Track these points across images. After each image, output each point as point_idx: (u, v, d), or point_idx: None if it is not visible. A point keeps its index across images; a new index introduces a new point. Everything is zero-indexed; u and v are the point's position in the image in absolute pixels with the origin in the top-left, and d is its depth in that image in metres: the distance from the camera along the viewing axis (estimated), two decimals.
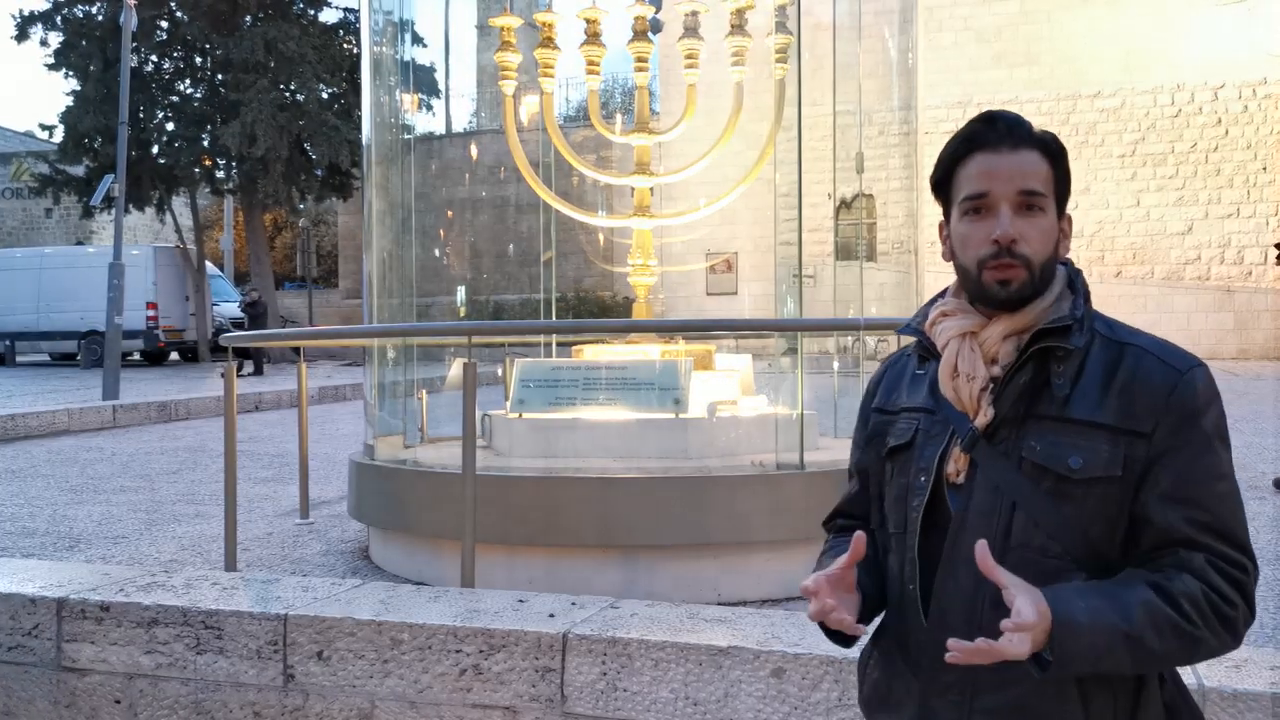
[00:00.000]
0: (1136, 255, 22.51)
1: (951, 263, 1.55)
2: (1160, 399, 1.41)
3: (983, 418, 1.46)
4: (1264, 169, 21.75)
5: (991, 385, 1.47)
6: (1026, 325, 1.48)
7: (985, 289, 1.47)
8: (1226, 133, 22.11)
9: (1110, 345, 1.47)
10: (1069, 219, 1.54)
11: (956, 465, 1.48)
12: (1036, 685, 1.39)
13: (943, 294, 1.61)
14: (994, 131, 1.48)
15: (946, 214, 1.54)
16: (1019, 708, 1.43)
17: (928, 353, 1.57)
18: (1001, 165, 1.46)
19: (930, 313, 1.57)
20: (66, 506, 6.99)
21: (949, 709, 1.47)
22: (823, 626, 1.50)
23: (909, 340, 1.63)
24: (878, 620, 1.62)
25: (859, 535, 1.43)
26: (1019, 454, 1.44)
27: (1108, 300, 21.67)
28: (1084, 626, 1.31)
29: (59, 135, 26.67)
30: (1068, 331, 1.46)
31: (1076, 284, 1.54)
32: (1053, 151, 1.50)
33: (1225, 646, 1.40)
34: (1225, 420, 1.46)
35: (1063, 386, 1.44)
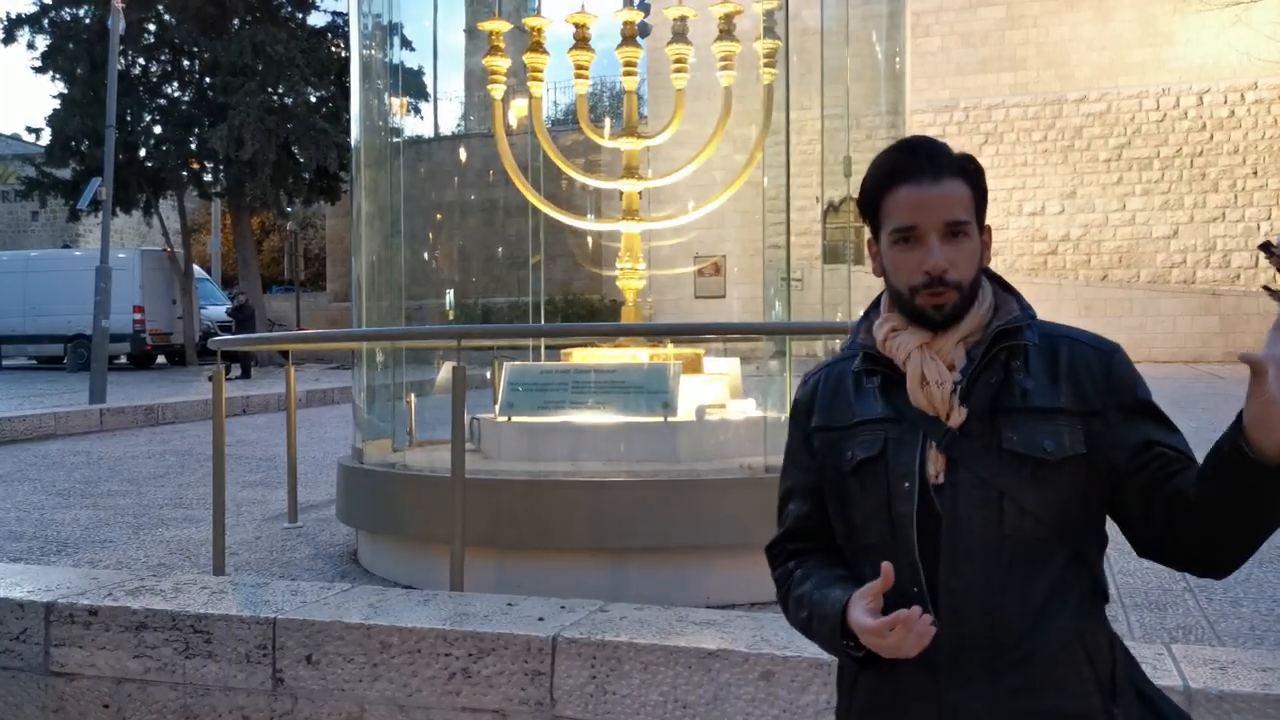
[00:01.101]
0: (1123, 259, 22.60)
1: (882, 279, 1.64)
2: (1101, 379, 1.56)
3: (957, 417, 1.54)
4: (1254, 173, 21.87)
5: (956, 388, 1.55)
6: (972, 331, 1.59)
7: (920, 312, 1.57)
8: (1211, 137, 22.22)
9: (1044, 339, 1.60)
10: (989, 230, 1.63)
11: (935, 467, 1.55)
12: (1051, 656, 1.50)
13: (874, 307, 1.68)
14: (916, 162, 1.56)
15: (875, 234, 1.63)
16: (1040, 682, 1.50)
17: (874, 366, 1.63)
18: (927, 198, 1.54)
19: (876, 331, 1.63)
20: (54, 510, 6.96)
21: (974, 698, 1.51)
22: (852, 650, 1.54)
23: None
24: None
25: (888, 566, 1.46)
26: (998, 446, 1.53)
27: (1094, 304, 21.78)
28: None
29: (46, 138, 26.57)
30: (1022, 330, 1.58)
31: (1009, 286, 1.65)
32: (971, 174, 1.59)
33: None
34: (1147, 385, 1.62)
35: (1024, 380, 1.55)
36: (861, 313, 1.73)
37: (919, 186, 1.54)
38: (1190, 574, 1.59)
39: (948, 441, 1.54)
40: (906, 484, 1.55)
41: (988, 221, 1.64)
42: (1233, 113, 22.09)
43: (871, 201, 1.60)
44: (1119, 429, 1.54)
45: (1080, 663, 1.52)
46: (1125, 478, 1.53)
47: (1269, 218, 21.55)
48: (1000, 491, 1.52)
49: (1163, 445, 1.52)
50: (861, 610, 1.48)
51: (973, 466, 1.53)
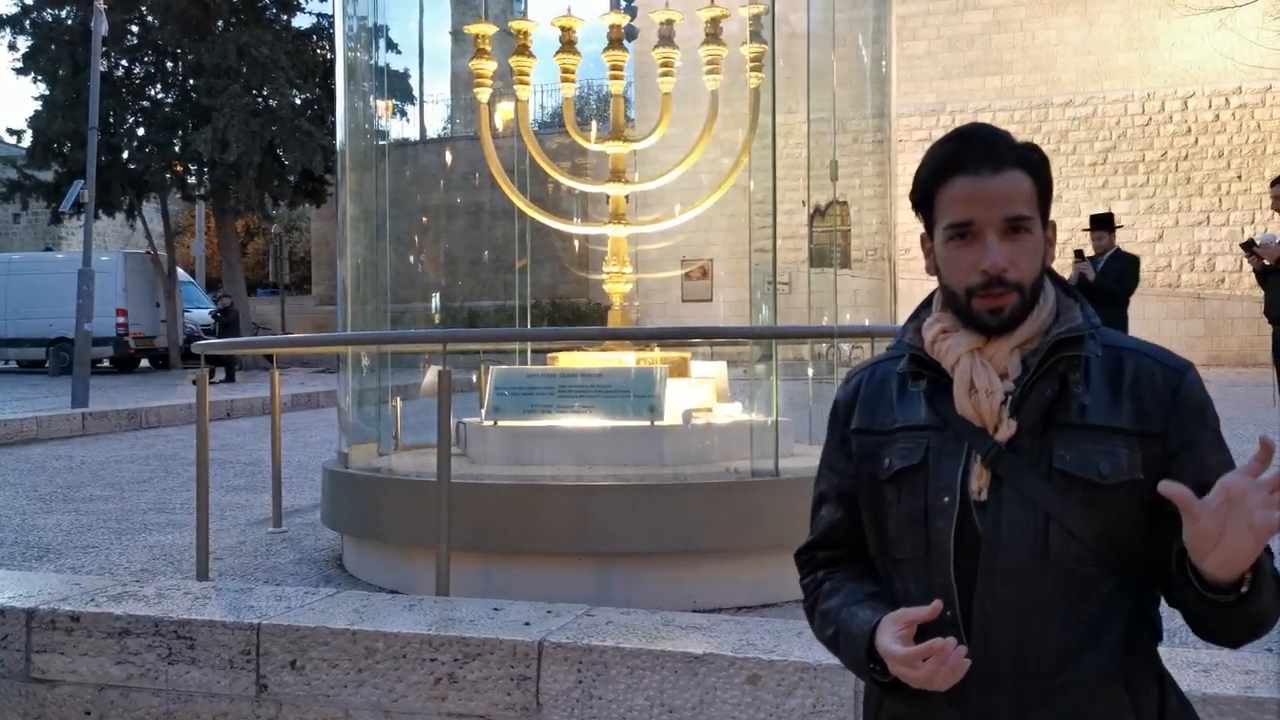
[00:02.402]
0: None
1: (935, 277, 1.53)
2: (1166, 399, 1.43)
3: (1005, 430, 1.43)
4: (1238, 177, 22.00)
5: (1008, 398, 1.45)
6: (1030, 337, 1.47)
7: (976, 317, 1.46)
8: (1196, 141, 22.36)
9: (1107, 350, 1.47)
10: (1053, 226, 1.51)
11: (979, 482, 1.44)
12: (1088, 694, 1.40)
13: (925, 306, 1.57)
14: (972, 152, 1.44)
15: (929, 229, 1.51)
16: (1072, 718, 1.42)
17: (922, 369, 1.52)
18: (985, 191, 1.42)
19: (926, 331, 1.52)
20: (35, 515, 6.91)
21: None
22: (877, 675, 1.45)
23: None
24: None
25: (938, 604, 1.38)
26: (1048, 464, 1.42)
27: None
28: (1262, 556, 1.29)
29: (27, 140, 26.43)
30: (1083, 340, 1.46)
31: (1073, 291, 1.53)
32: (1034, 166, 1.46)
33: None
34: (1216, 411, 1.50)
35: (1081, 394, 1.43)
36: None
37: (976, 178, 1.42)
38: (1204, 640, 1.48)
39: (994, 456, 1.43)
40: (946, 498, 1.45)
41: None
42: (1217, 117, 22.23)
43: (925, 194, 1.48)
44: (1177, 458, 1.41)
45: (1121, 704, 1.42)
46: (1164, 517, 1.39)
47: (1253, 221, 21.67)
48: (1047, 514, 1.40)
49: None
50: (891, 637, 1.39)
51: (1019, 485, 1.42)
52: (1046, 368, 1.45)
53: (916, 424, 1.51)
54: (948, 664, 1.33)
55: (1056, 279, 1.54)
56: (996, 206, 1.42)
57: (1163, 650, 2.93)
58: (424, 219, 8.17)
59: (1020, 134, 1.49)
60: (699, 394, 5.40)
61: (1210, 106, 22.23)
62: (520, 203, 6.01)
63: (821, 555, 1.63)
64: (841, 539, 1.61)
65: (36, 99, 25.94)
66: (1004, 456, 1.43)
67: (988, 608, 1.42)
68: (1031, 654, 1.40)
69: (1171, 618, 1.47)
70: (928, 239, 1.52)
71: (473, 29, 5.68)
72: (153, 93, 27.07)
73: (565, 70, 5.72)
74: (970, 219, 1.43)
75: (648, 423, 4.94)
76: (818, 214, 6.55)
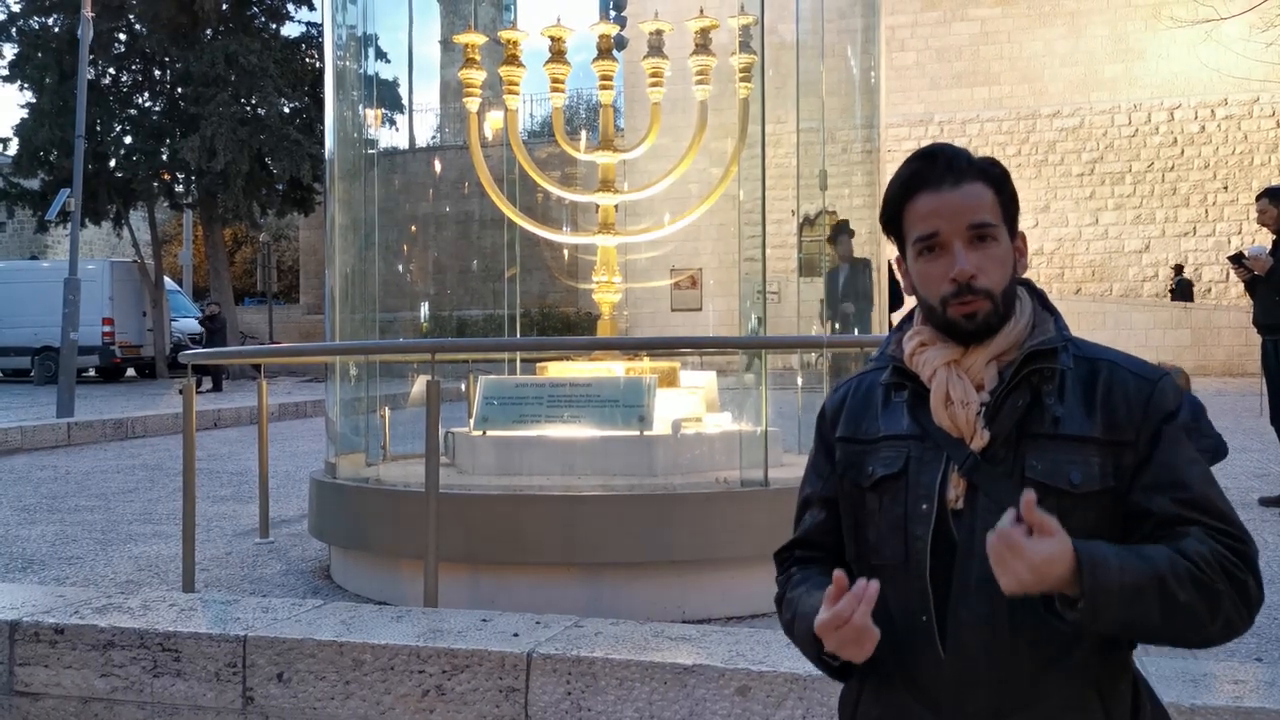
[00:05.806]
0: (1095, 272, 22.81)
1: (914, 296, 1.57)
2: (1139, 409, 1.46)
3: (979, 440, 1.47)
4: (1225, 188, 22.14)
5: (983, 409, 1.48)
6: (1006, 349, 1.51)
7: (952, 324, 1.49)
8: (1182, 152, 22.49)
9: (1081, 362, 1.51)
10: (1023, 237, 1.56)
11: (955, 491, 1.48)
12: (1062, 700, 1.43)
13: (908, 319, 1.61)
14: (934, 169, 1.49)
15: (902, 249, 1.56)
16: None
17: (904, 380, 1.56)
18: (947, 203, 1.48)
19: (906, 344, 1.56)
20: (19, 526, 6.87)
21: None
22: (820, 660, 1.49)
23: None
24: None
25: (875, 584, 1.39)
26: (1020, 474, 1.46)
27: (1067, 317, 21.57)
28: (1114, 565, 1.33)
29: (13, 148, 26.29)
30: (1056, 353, 1.50)
31: (1049, 304, 1.57)
32: (995, 178, 1.51)
33: (1241, 616, 1.40)
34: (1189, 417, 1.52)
35: (1054, 405, 1.47)
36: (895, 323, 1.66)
37: (938, 193, 1.48)
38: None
39: (969, 465, 1.47)
40: (925, 506, 1.49)
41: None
42: (1203, 128, 22.36)
43: (893, 215, 1.54)
44: (1146, 465, 1.45)
45: (1094, 712, 1.44)
46: (1134, 524, 1.45)
47: (1239, 232, 21.81)
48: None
49: (1165, 501, 1.42)
50: (824, 607, 1.41)
51: (993, 493, 1.44)
52: (1020, 379, 1.48)
53: (899, 434, 1.55)
54: (853, 624, 1.35)
55: (1034, 290, 1.58)
56: (960, 217, 1.47)
57: (1151, 661, 2.95)
58: (413, 228, 8.16)
59: (1008, 144, 1.52)
60: (688, 404, 5.40)
61: (1196, 118, 22.38)
62: (509, 212, 6.01)
63: (800, 554, 1.68)
64: (822, 540, 1.65)
65: (23, 107, 25.80)
66: (979, 466, 1.47)
67: (962, 615, 1.45)
68: (1005, 660, 1.44)
69: None
70: (902, 260, 1.58)
71: (462, 38, 5.68)
72: (140, 101, 26.96)
73: (555, 80, 5.72)
74: (936, 230, 1.48)
75: (637, 433, 4.93)
76: (807, 223, 6.56)
